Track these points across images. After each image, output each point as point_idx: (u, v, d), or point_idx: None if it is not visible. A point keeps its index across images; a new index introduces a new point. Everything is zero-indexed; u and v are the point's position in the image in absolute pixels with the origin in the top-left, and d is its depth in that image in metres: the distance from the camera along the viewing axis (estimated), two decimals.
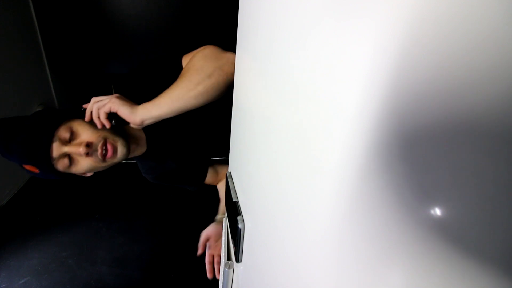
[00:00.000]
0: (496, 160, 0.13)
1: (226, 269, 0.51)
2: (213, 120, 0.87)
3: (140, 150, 0.86)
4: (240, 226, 0.44)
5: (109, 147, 0.71)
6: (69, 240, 1.40)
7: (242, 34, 0.43)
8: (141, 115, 0.67)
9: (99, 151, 0.70)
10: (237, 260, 0.47)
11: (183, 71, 0.70)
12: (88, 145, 0.68)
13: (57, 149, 0.67)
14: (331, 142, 0.17)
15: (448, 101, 0.13)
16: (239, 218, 0.44)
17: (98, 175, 1.96)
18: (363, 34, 0.15)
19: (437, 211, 0.14)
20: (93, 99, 0.70)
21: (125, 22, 1.89)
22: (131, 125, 0.70)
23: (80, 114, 0.74)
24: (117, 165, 2.19)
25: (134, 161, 1.99)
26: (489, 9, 0.12)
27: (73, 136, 0.70)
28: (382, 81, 0.14)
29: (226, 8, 1.84)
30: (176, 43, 1.94)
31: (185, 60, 0.79)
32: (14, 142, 0.66)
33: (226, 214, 0.69)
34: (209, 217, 1.48)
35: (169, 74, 0.77)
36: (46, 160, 0.67)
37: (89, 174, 0.79)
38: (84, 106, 0.74)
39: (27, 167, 0.70)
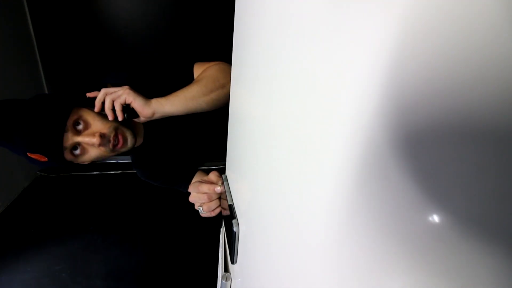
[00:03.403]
0: (498, 164, 0.13)
1: (224, 281, 0.51)
2: (211, 121, 0.88)
3: (138, 141, 0.86)
4: (235, 229, 0.44)
5: (120, 138, 0.73)
6: (62, 253, 1.37)
7: (238, 37, 0.44)
8: (154, 108, 0.69)
9: (111, 142, 0.71)
10: (232, 262, 0.47)
11: (199, 77, 0.75)
12: (102, 135, 0.69)
13: (69, 138, 0.68)
14: (328, 144, 0.17)
15: (449, 101, 0.13)
16: (234, 221, 0.45)
17: (93, 185, 1.93)
18: (362, 34, 0.14)
19: (439, 215, 0.14)
20: (104, 90, 0.70)
21: (122, 37, 1.92)
22: (140, 118, 0.71)
23: (84, 102, 0.73)
24: (112, 176, 2.14)
25: (130, 171, 1.98)
26: (491, 7, 0.12)
27: (84, 126, 0.70)
28: (381, 82, 0.13)
29: (223, 16, 1.88)
30: (173, 59, 1.96)
31: (197, 67, 0.83)
32: (20, 131, 0.64)
33: (223, 223, 0.69)
34: (206, 230, 1.46)
35: (180, 76, 0.82)
36: (58, 149, 0.66)
37: (87, 162, 0.78)
38: (88, 94, 0.73)
39: (34, 156, 0.68)
